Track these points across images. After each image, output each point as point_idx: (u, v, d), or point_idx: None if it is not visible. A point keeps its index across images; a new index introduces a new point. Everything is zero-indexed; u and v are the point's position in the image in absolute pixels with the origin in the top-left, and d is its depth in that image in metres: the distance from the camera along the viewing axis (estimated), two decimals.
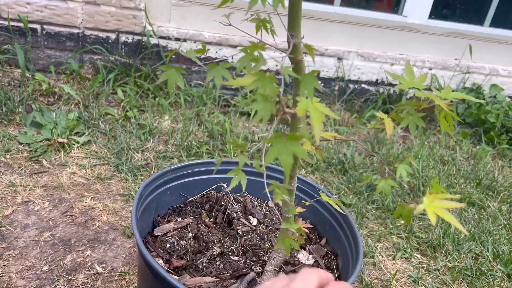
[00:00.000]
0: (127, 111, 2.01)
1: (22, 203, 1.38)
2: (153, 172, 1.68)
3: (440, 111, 0.74)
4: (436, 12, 2.58)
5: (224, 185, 1.17)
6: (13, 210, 1.34)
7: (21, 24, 2.10)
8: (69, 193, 1.46)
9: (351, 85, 2.56)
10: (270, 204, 1.19)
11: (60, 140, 1.68)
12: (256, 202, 1.18)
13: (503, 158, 2.35)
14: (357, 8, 2.49)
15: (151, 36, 2.24)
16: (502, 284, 1.44)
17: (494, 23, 2.67)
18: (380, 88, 2.60)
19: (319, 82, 2.52)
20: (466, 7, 2.67)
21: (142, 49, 2.26)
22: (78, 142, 1.73)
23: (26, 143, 1.67)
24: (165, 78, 0.70)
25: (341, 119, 2.40)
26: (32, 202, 1.39)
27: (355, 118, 2.42)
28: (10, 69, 2.08)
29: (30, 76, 2.08)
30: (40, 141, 1.68)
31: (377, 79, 2.58)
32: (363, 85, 2.58)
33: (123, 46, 2.25)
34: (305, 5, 2.42)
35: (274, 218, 1.14)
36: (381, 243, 1.56)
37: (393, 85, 2.61)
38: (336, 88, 2.54)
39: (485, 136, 2.48)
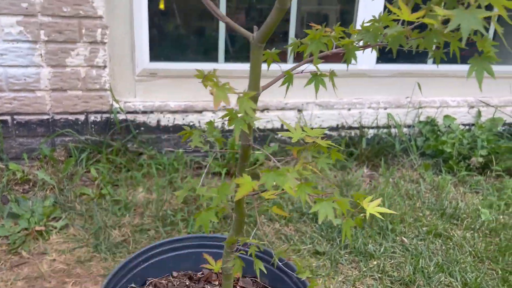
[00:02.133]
0: (101, 188, 2.09)
1: None
2: (131, 247, 1.74)
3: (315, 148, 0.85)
4: (382, 57, 2.79)
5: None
6: None
7: None
8: (50, 282, 1.51)
9: None
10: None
11: (37, 228, 1.73)
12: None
13: (464, 185, 2.49)
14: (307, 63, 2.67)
15: (118, 112, 2.35)
16: None
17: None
18: (341, 132, 2.76)
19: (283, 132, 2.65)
20: (409, 49, 2.90)
21: (111, 125, 2.36)
22: (55, 228, 1.78)
23: (5, 236, 1.71)
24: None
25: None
26: None
27: None
28: None
29: (3, 166, 2.15)
30: (18, 232, 1.73)
31: (337, 124, 2.74)
32: (325, 132, 2.73)
33: (92, 125, 2.35)
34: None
35: None
36: (356, 287, 1.63)
37: (353, 128, 2.77)
38: None
39: (445, 166, 2.63)
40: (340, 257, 1.79)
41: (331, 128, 2.74)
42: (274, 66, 2.63)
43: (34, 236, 1.72)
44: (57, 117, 2.29)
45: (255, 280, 1.33)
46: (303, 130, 0.87)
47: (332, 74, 0.95)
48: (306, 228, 1.98)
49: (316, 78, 0.96)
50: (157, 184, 2.16)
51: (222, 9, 2.45)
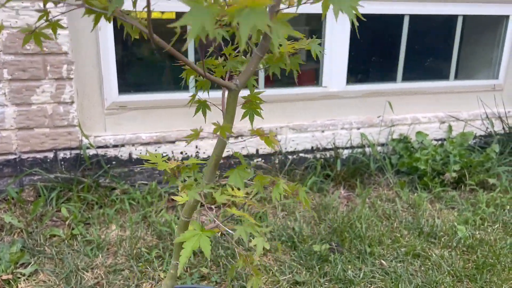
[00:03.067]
0: (73, 228, 2.02)
1: None
2: None
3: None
4: (352, 78, 2.83)
5: None
6: None
7: None
8: None
9: (289, 156, 2.70)
10: None
11: (4, 277, 1.65)
12: None
13: (440, 201, 2.51)
14: (280, 88, 2.69)
15: (88, 148, 2.30)
16: None
17: (405, 78, 2.95)
18: (316, 154, 2.76)
19: (260, 159, 2.64)
20: (378, 69, 2.95)
21: (81, 162, 2.31)
22: (24, 275, 1.71)
23: None
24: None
25: (285, 191, 2.50)
26: None
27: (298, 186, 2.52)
28: None
29: None
30: None
31: (312, 147, 2.75)
32: (300, 154, 2.73)
33: (62, 163, 2.29)
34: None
35: None
36: None
37: (327, 150, 2.78)
38: (277, 161, 2.67)
39: (420, 183, 2.65)
40: (320, 285, 1.76)
41: (306, 151, 2.74)
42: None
43: (1, 286, 1.64)
44: (25, 156, 2.22)
45: None
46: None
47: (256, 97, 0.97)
48: (284, 257, 1.95)
49: (251, 107, 0.97)
50: (130, 220, 2.11)
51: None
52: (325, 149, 2.77)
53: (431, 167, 2.66)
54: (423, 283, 1.77)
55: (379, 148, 2.88)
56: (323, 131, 2.74)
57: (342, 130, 2.78)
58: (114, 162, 2.38)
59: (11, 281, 1.67)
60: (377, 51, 2.96)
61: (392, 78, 2.94)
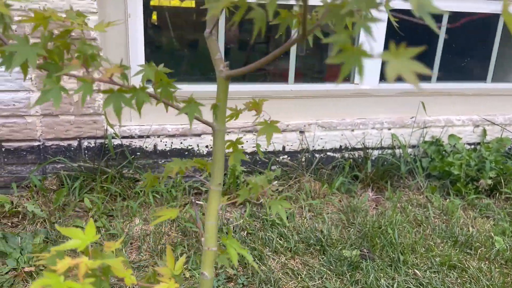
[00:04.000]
0: (96, 220, 1.97)
1: None
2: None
3: None
4: (385, 76, 2.71)
5: None
6: None
7: None
8: None
9: (316, 155, 2.61)
10: None
11: (26, 269, 1.60)
12: None
13: (474, 209, 2.40)
14: (310, 83, 2.59)
15: (113, 137, 2.24)
16: None
17: (441, 78, 2.83)
18: (345, 153, 2.67)
19: (286, 156, 2.56)
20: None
21: (105, 151, 2.25)
22: (46, 267, 1.66)
23: None
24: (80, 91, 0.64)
25: (313, 190, 2.42)
26: None
27: (326, 188, 2.44)
28: None
29: None
30: (6, 273, 1.60)
31: (340, 146, 2.65)
32: (328, 153, 2.64)
33: (86, 152, 2.23)
34: (261, 87, 2.50)
35: None
36: None
37: (356, 149, 2.68)
38: (303, 159, 2.59)
39: (453, 188, 2.54)
40: None
41: (334, 150, 2.64)
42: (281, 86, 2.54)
43: (23, 278, 1.60)
44: (48, 143, 2.17)
45: None
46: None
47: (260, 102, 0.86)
48: (313, 261, 1.87)
49: (268, 126, 0.84)
50: (154, 214, 2.05)
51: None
52: (354, 149, 2.67)
53: (465, 172, 2.55)
54: None
55: (409, 150, 2.77)
56: (352, 130, 2.64)
57: (373, 130, 2.68)
58: (138, 153, 2.32)
59: (33, 273, 1.62)
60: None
61: (427, 78, 2.82)
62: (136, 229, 1.96)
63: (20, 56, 0.52)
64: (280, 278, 1.76)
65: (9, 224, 1.92)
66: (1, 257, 1.68)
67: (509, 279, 1.81)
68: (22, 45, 0.53)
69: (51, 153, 2.18)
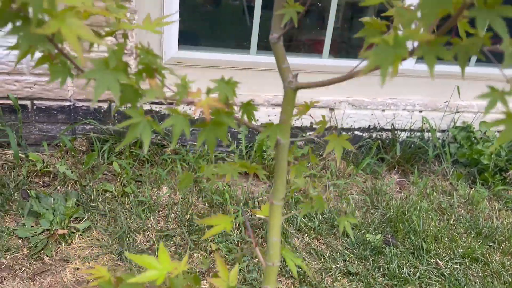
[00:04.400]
0: (124, 185, 1.99)
1: None
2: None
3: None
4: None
5: None
6: None
7: (10, 102, 2.08)
8: None
9: (344, 133, 2.58)
10: None
11: (60, 231, 1.65)
12: None
13: (499, 200, 2.38)
14: (345, 59, 2.52)
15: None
16: None
17: (479, 62, 2.72)
18: (373, 133, 2.63)
19: (312, 132, 2.53)
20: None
21: None
22: (78, 230, 1.70)
23: (26, 238, 1.63)
24: (171, 124, 0.59)
25: (338, 169, 2.41)
26: None
27: (351, 168, 2.43)
28: (2, 151, 2.05)
29: (23, 156, 2.05)
30: (40, 233, 1.65)
31: (369, 125, 2.61)
32: (356, 132, 2.60)
33: (116, 115, 2.23)
34: (295, 60, 2.44)
35: None
36: None
37: (384, 130, 2.64)
38: None
39: (480, 177, 2.51)
40: (374, 279, 1.70)
41: (362, 129, 2.60)
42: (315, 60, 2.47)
43: (56, 239, 1.64)
44: (79, 104, 2.17)
45: None
46: None
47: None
48: (336, 243, 1.89)
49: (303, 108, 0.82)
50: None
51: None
52: (382, 129, 2.63)
53: (494, 162, 2.50)
54: None
55: (438, 135, 2.72)
56: (383, 110, 2.58)
57: (404, 111, 2.62)
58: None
59: (66, 235, 1.66)
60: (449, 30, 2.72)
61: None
62: (164, 198, 1.99)
63: (102, 86, 0.49)
64: (304, 257, 1.78)
65: (41, 183, 1.96)
66: (34, 216, 1.73)
67: None
68: (101, 70, 0.50)
69: (81, 114, 2.18)
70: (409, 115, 2.63)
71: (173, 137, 0.53)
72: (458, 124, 2.72)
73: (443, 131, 2.73)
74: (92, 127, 2.21)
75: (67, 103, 2.15)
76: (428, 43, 0.42)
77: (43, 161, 2.02)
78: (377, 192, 2.27)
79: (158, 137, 2.30)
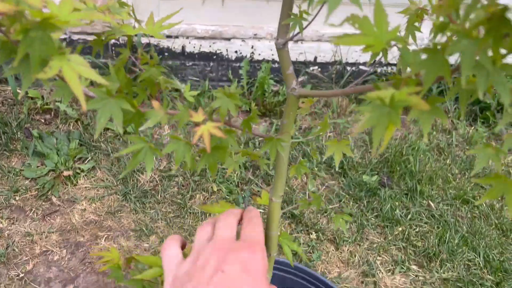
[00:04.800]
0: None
1: (41, 253, 1.45)
2: (160, 197, 1.73)
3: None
4: None
5: None
6: (34, 264, 1.41)
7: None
8: (83, 236, 1.53)
9: (348, 68, 2.52)
10: None
11: (65, 173, 1.70)
12: None
13: (498, 140, 2.40)
14: None
15: (141, 35, 2.15)
16: None
17: None
18: (377, 68, 2.57)
19: (316, 67, 2.47)
20: None
21: (133, 49, 2.18)
22: (83, 171, 1.75)
23: (33, 178, 1.69)
24: (172, 150, 0.62)
25: (339, 106, 2.40)
26: (50, 252, 1.46)
27: (354, 107, 2.41)
28: (1, 87, 2.03)
29: (23, 94, 2.03)
30: (46, 174, 1.70)
31: (375, 60, 2.53)
32: (360, 67, 2.54)
33: (113, 48, 2.17)
34: None
35: None
36: (380, 256, 1.67)
37: (391, 65, 2.57)
38: (334, 72, 2.50)
39: (481, 116, 2.50)
40: (367, 220, 1.79)
41: (371, 64, 2.54)
42: None
43: (63, 180, 1.70)
44: (75, 37, 2.10)
45: None
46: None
47: None
48: (333, 183, 1.95)
49: None
50: (182, 122, 2.08)
51: None
52: (389, 64, 2.56)
53: (497, 100, 2.48)
54: (468, 233, 1.79)
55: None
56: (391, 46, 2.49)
57: (412, 45, 2.52)
58: (166, 54, 2.25)
59: (71, 177, 1.72)
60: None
61: None
62: (166, 137, 2.01)
63: (104, 115, 0.47)
64: (300, 198, 1.85)
65: (42, 121, 1.97)
66: (39, 157, 1.77)
67: None
68: (103, 99, 0.48)
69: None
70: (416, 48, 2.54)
71: (175, 162, 0.52)
72: None
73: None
74: (89, 61, 2.16)
75: (63, 36, 2.08)
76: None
77: (42, 98, 2.01)
78: None
79: None
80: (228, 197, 1.78)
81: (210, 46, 2.27)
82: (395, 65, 2.57)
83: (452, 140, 2.32)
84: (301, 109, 0.74)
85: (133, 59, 0.61)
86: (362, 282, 1.56)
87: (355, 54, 2.48)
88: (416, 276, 1.61)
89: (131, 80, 0.54)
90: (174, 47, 2.23)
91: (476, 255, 1.70)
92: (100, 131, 0.48)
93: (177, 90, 2.14)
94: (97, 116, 0.49)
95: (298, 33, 0.59)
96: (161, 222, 1.64)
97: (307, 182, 1.93)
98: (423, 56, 0.42)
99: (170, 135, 0.54)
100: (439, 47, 0.39)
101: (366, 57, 2.51)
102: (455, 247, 1.72)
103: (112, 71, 0.51)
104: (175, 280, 0.44)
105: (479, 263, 1.67)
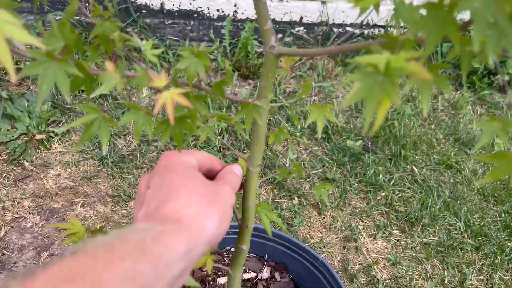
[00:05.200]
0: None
1: (13, 220, 1.39)
2: (138, 162, 1.67)
3: None
4: None
5: None
6: (6, 231, 1.36)
7: None
8: (58, 202, 1.47)
9: (335, 29, 2.44)
10: None
11: (38, 137, 1.62)
12: None
13: (483, 105, 2.38)
14: None
15: None
16: (470, 257, 1.59)
17: None
18: (365, 30, 2.49)
19: (302, 28, 2.38)
20: None
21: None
22: (57, 134, 1.68)
23: (3, 142, 1.61)
24: (130, 120, 0.50)
25: (325, 69, 2.34)
26: (23, 218, 1.40)
27: (340, 69, 2.35)
28: None
29: None
30: (17, 138, 1.62)
31: (361, 21, 2.45)
32: (347, 28, 2.46)
33: (86, 4, 2.03)
34: None
35: None
36: (363, 221, 1.66)
37: (378, 27, 2.49)
38: (320, 33, 2.42)
39: (467, 80, 2.47)
40: (350, 186, 1.77)
41: (354, 25, 2.45)
42: None
43: (35, 144, 1.62)
44: None
45: None
46: None
47: None
48: (317, 148, 1.92)
49: None
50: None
51: None
52: (375, 26, 2.48)
53: (484, 65, 2.44)
54: (450, 198, 1.79)
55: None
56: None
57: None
58: (144, 11, 2.12)
59: (44, 141, 1.64)
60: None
61: None
62: (145, 99, 1.93)
63: (47, 82, 0.40)
64: (284, 164, 1.82)
65: (11, 81, 1.86)
66: (9, 119, 1.68)
67: (499, 184, 1.91)
68: (43, 62, 0.41)
69: (49, 4, 1.98)
70: None
71: (135, 135, 0.46)
72: None
73: None
74: (61, 17, 2.03)
75: None
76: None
77: (13, 56, 1.89)
78: None
79: (136, 30, 2.14)
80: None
81: (190, 3, 2.15)
82: (382, 26, 2.50)
83: (437, 105, 2.29)
84: (281, 70, 0.67)
85: (85, 12, 0.53)
86: (344, 247, 1.56)
87: (342, 14, 2.39)
88: (398, 241, 1.61)
89: (80, 37, 0.46)
90: (152, 4, 2.11)
91: (457, 220, 1.70)
92: (42, 100, 0.42)
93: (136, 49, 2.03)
94: (38, 83, 0.42)
95: None
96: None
97: (289, 147, 1.89)
98: (423, 12, 0.36)
99: (128, 104, 0.48)
100: (447, 1, 0.33)
101: (353, 17, 2.43)
102: (437, 212, 1.72)
103: (55, 26, 0.44)
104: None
105: (460, 228, 1.68)
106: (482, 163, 1.99)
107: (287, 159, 1.79)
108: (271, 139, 0.67)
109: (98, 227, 0.69)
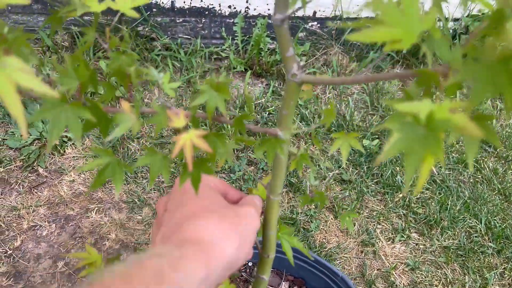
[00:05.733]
0: (116, 88, 1.89)
1: (29, 228, 1.39)
2: None
3: None
4: None
5: None
6: (22, 240, 1.36)
7: None
8: (73, 209, 1.47)
9: (349, 23, 2.37)
10: None
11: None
12: None
13: (501, 98, 2.30)
14: None
15: None
16: (492, 261, 1.55)
17: None
18: None
19: (315, 23, 2.32)
20: None
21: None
22: (70, 139, 1.67)
23: (17, 148, 1.60)
24: (146, 163, 0.55)
25: (339, 65, 2.28)
26: (38, 226, 1.40)
27: (355, 65, 2.29)
28: None
29: None
30: (31, 143, 1.62)
31: (377, 14, 2.38)
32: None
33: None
34: None
35: None
36: (380, 224, 1.63)
37: None
38: (334, 28, 2.36)
39: None
40: (367, 187, 1.74)
41: (370, 19, 2.38)
42: None
43: (50, 151, 1.62)
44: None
45: None
46: None
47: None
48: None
49: None
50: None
51: None
52: None
53: None
54: (470, 199, 1.74)
55: (450, 24, 2.51)
56: None
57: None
58: (155, 10, 2.09)
59: (57, 146, 1.63)
60: None
61: None
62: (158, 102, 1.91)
63: (58, 126, 0.38)
64: (303, 189, 1.79)
65: None
66: None
67: None
68: (55, 106, 0.38)
69: (59, 4, 1.96)
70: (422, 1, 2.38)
71: (150, 179, 0.44)
72: (474, 12, 2.50)
73: (456, 20, 2.51)
74: (72, 18, 2.01)
75: None
76: None
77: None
78: (378, 90, 2.19)
79: (147, 29, 2.11)
80: (223, 165, 1.71)
81: (201, 0, 2.11)
82: None
83: (456, 100, 2.22)
84: (303, 93, 0.64)
85: (101, 42, 0.50)
86: (362, 252, 1.53)
87: (357, 8, 2.32)
88: (416, 244, 1.58)
89: (94, 73, 0.44)
90: (162, 2, 2.08)
91: (477, 222, 1.66)
92: (52, 145, 0.39)
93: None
94: (49, 128, 0.40)
95: (300, 7, 0.49)
96: (154, 192, 1.57)
97: (310, 172, 1.86)
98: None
99: (145, 147, 0.45)
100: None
101: (368, 12, 2.36)
102: (457, 214, 1.68)
103: (69, 64, 0.41)
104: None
105: (481, 230, 1.63)
106: (502, 160, 1.93)
107: (307, 182, 1.75)
108: (293, 166, 0.63)
109: (115, 255, 0.68)
